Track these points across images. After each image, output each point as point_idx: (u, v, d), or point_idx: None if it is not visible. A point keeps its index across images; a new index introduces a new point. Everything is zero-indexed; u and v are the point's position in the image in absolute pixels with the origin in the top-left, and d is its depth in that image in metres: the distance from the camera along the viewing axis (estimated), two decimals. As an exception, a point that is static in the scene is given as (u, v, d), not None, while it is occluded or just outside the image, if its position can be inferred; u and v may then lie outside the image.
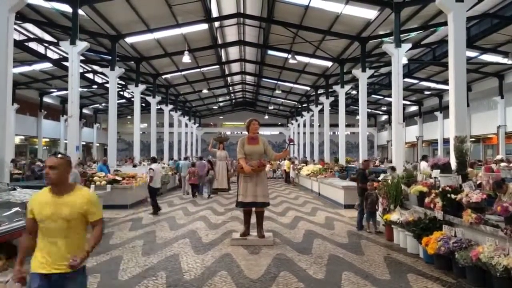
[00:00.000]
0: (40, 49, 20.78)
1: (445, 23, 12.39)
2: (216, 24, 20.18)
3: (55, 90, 29.58)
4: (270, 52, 23.73)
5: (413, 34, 17.21)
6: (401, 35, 13.98)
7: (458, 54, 9.36)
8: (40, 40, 19.79)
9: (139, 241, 7.93)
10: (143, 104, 29.63)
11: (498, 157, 14.95)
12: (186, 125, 37.87)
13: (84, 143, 37.91)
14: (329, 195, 14.70)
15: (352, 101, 33.29)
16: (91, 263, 6.27)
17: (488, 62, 20.84)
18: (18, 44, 17.00)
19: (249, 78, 34.19)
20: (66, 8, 14.62)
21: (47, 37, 19.57)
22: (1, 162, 9.82)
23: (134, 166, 18.59)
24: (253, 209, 7.84)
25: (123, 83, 27.85)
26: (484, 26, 16.24)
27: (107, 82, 21.67)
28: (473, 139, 25.21)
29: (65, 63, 18.99)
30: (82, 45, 13.48)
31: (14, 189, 7.40)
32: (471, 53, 19.00)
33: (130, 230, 9.04)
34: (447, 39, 9.83)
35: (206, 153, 30.89)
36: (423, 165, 12.19)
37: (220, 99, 42.25)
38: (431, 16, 15.22)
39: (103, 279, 5.49)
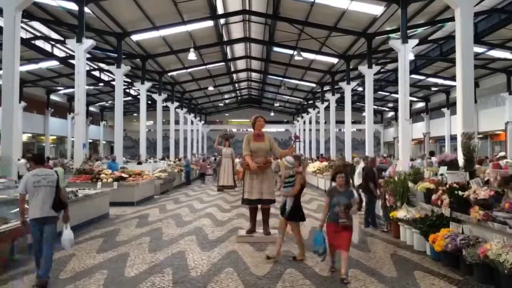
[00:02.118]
0: (47, 47, 20.89)
1: (452, 19, 12.25)
2: (222, 21, 20.17)
3: (62, 88, 29.77)
4: (275, 49, 23.68)
5: (420, 30, 17.07)
6: (408, 31, 13.85)
7: (466, 50, 9.27)
8: (46, 38, 19.91)
9: (146, 238, 7.97)
10: (149, 102, 29.81)
11: (501, 154, 14.69)
12: (192, 123, 37.96)
13: (90, 140, 38.18)
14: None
15: (358, 97, 33.13)
16: (98, 259, 6.32)
17: (496, 58, 20.62)
18: (25, 42, 17.08)
19: (254, 75, 34.14)
20: (73, 6, 14.72)
21: (54, 35, 19.71)
22: (9, 160, 9.93)
23: (139, 163, 18.67)
24: (259, 206, 7.84)
25: (129, 80, 27.96)
26: (492, 22, 16.01)
27: (113, 80, 21.80)
28: (480, 136, 24.98)
29: (71, 61, 19.10)
30: (88, 43, 13.57)
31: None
32: (479, 49, 18.79)
33: (137, 227, 9.09)
34: (454, 34, 9.74)
35: (212, 150, 30.98)
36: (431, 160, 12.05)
37: (226, 96, 42.26)
38: (438, 11, 15.07)
39: (110, 276, 5.52)
